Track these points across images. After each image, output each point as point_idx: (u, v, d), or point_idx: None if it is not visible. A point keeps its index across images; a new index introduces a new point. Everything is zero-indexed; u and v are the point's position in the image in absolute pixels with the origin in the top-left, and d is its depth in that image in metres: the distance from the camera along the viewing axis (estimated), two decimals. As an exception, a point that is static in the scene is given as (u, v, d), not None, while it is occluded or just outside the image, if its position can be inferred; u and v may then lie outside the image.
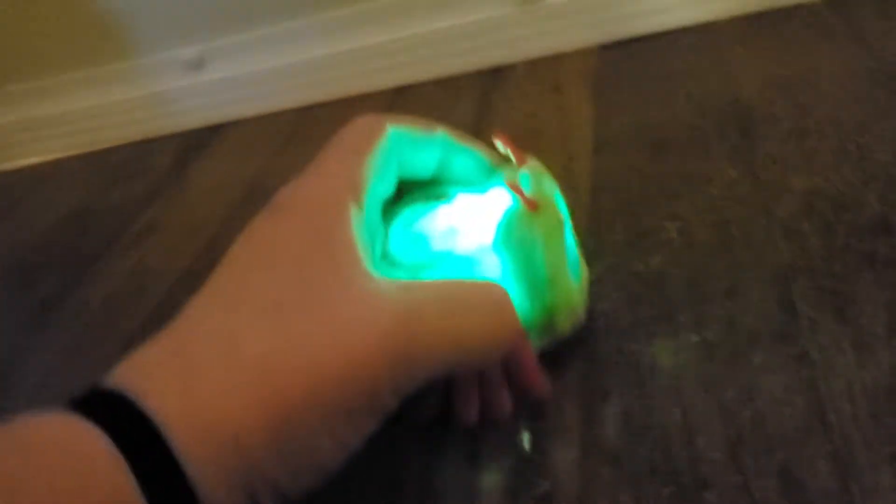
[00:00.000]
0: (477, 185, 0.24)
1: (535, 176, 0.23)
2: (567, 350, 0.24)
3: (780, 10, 0.42)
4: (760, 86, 0.36)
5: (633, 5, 0.44)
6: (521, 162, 0.24)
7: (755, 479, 0.20)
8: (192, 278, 0.35)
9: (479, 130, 0.40)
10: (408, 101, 0.46)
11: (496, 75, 0.45)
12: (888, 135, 0.30)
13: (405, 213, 0.23)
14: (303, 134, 0.47)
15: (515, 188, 0.22)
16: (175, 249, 0.38)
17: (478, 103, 0.43)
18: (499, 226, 0.22)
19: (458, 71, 0.47)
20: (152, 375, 0.17)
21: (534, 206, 0.22)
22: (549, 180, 0.24)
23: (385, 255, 0.22)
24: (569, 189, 0.27)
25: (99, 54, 0.51)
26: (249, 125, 0.50)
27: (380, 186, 0.21)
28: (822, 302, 0.24)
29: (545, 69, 0.44)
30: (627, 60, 0.42)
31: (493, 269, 0.22)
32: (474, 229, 0.23)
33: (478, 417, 0.22)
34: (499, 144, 0.24)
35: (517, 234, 0.22)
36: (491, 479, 0.22)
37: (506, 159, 0.24)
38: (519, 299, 0.22)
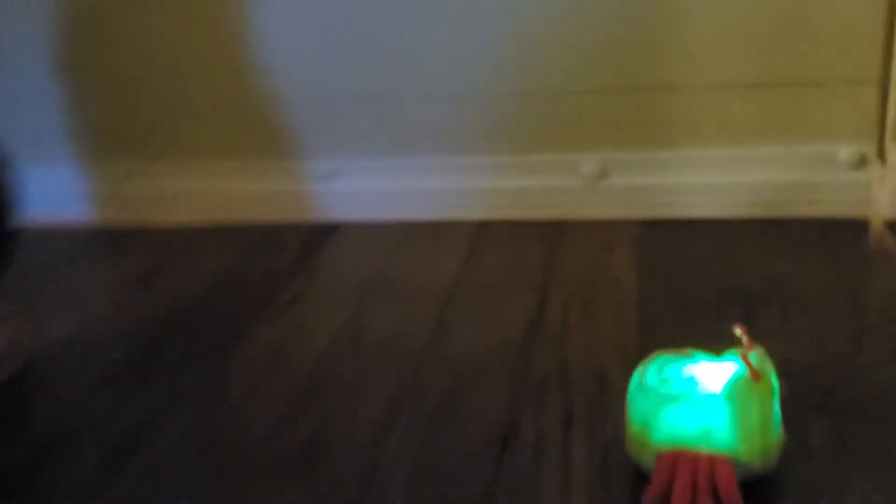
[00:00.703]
0: (717, 358, 0.35)
1: (760, 356, 0.34)
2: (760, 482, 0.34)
3: (782, 219, 0.57)
4: (763, 276, 0.50)
5: (670, 196, 0.59)
6: (750, 346, 0.34)
7: None
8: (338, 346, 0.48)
9: (548, 268, 0.54)
10: (489, 234, 0.61)
11: (561, 228, 0.60)
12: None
13: (662, 360, 0.35)
14: (412, 243, 0.61)
15: (746, 360, 0.33)
16: (317, 322, 0.51)
17: (547, 248, 0.57)
18: (728, 382, 0.33)
19: (532, 219, 0.62)
20: None
21: (757, 375, 0.33)
22: (769, 363, 0.34)
23: (640, 385, 0.34)
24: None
25: (250, 149, 0.66)
26: (363, 229, 0.64)
27: None
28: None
29: (599, 231, 0.59)
30: (663, 237, 0.57)
31: (719, 413, 0.32)
32: (711, 382, 0.34)
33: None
34: (737, 331, 0.34)
35: (742, 391, 0.33)
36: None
37: (739, 342, 0.34)
38: (733, 440, 0.32)
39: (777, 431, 0.33)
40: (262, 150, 0.65)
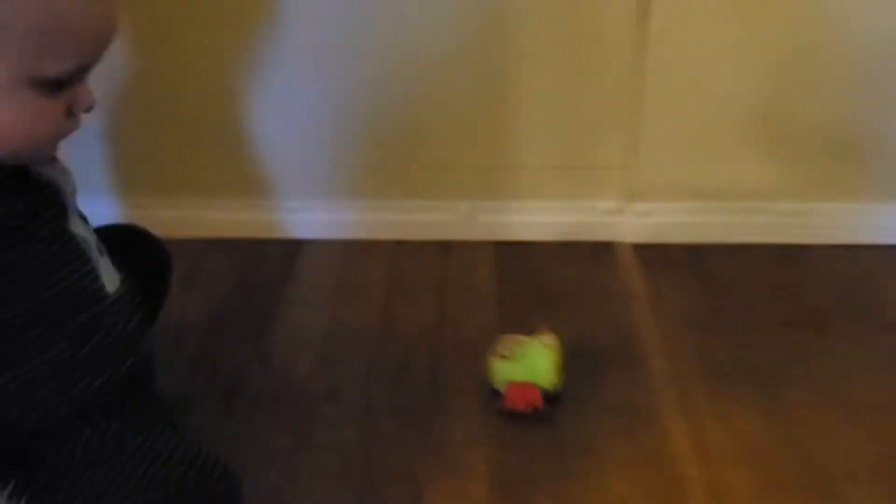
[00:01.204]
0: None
1: (552, 337, 0.72)
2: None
3: (579, 241, 0.97)
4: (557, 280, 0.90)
5: (516, 228, 0.98)
6: (549, 331, 0.73)
7: None
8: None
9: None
10: (403, 250, 0.97)
11: (447, 246, 0.97)
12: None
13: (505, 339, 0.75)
14: (352, 257, 0.96)
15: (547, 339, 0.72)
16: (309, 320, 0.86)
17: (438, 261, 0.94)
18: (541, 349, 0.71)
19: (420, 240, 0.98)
20: None
21: (552, 348, 0.71)
22: (555, 339, 0.72)
23: (492, 352, 0.73)
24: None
25: (233, 188, 0.97)
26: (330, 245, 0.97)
27: None
28: None
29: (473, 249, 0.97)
30: (514, 254, 0.96)
31: (536, 365, 0.74)
32: (530, 351, 0.75)
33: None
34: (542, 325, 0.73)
35: (547, 354, 0.71)
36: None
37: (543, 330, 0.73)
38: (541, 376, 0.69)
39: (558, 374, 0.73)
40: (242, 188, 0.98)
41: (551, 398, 0.71)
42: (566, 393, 0.72)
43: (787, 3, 0.86)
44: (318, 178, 0.98)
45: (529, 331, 0.74)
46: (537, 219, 0.98)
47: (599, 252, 0.95)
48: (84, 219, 0.57)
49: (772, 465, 0.66)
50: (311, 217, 0.98)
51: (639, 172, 0.94)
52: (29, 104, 0.47)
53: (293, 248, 0.97)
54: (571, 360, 0.73)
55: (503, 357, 0.72)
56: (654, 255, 0.94)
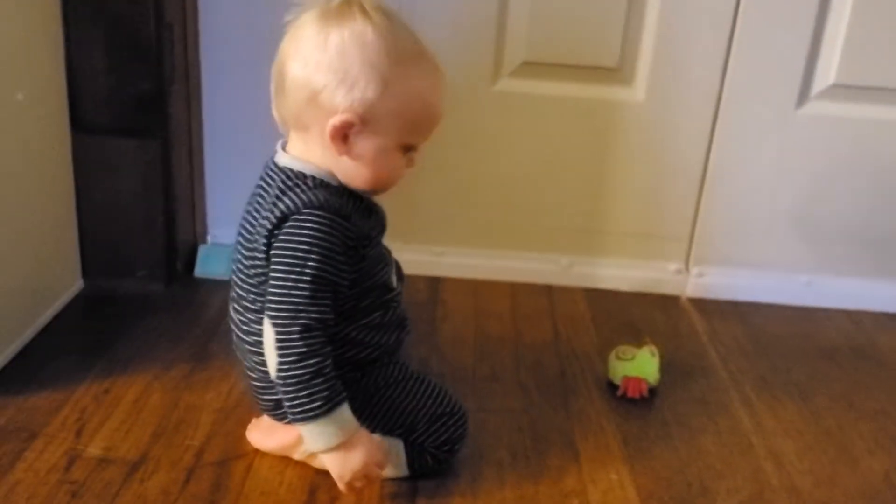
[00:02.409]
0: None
1: (652, 348, 1.03)
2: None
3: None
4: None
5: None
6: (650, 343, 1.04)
7: None
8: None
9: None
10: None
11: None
12: (671, 342, 1.15)
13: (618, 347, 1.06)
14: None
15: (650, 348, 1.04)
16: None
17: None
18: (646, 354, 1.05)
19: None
20: None
21: (655, 354, 1.03)
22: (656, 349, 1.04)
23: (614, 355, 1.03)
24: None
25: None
26: (464, 282, 1.28)
27: None
28: None
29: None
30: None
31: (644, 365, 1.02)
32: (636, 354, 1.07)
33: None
34: (646, 338, 1.05)
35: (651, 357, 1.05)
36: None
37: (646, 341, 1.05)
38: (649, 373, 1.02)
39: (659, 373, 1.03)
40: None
41: (653, 391, 1.01)
42: (662, 388, 1.02)
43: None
44: (456, 229, 1.29)
45: (638, 343, 1.05)
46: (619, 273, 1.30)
47: (666, 301, 1.27)
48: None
49: (805, 437, 0.96)
50: (450, 260, 1.29)
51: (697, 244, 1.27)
52: (395, 160, 0.79)
53: (436, 283, 1.27)
54: (662, 365, 1.03)
55: (621, 358, 1.02)
56: (708, 307, 1.26)
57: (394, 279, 0.85)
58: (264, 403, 0.84)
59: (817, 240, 1.27)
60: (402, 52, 0.73)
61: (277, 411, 0.81)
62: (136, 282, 1.17)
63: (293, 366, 0.72)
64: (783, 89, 1.19)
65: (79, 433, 0.87)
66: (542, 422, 0.96)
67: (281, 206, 0.73)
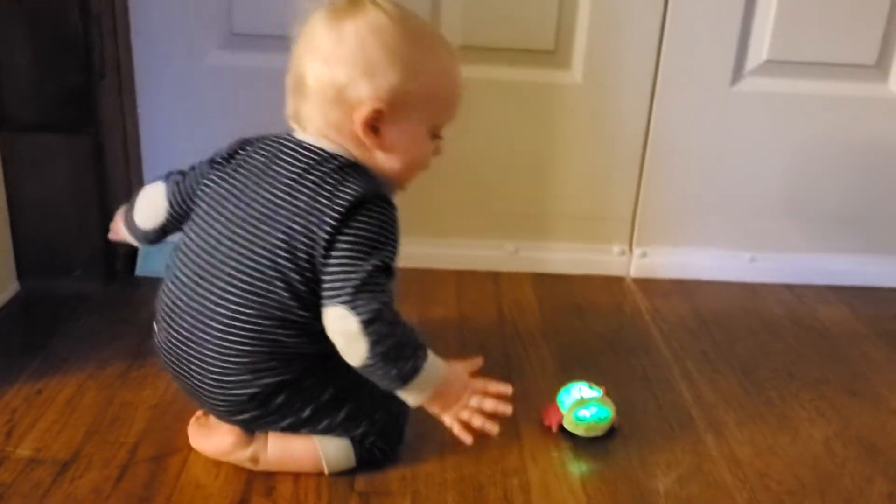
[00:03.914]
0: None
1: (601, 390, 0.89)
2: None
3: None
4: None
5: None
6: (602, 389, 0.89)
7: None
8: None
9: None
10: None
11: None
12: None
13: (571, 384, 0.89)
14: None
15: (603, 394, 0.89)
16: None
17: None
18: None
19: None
20: None
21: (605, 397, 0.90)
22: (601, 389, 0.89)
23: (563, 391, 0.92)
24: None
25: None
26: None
27: None
28: None
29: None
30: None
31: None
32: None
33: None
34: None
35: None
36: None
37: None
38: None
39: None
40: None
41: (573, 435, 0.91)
42: (605, 366, 1.03)
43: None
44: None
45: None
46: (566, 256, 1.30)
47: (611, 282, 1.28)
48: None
49: (746, 409, 0.97)
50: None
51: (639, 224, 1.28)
52: (427, 146, 0.78)
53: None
54: (604, 345, 1.04)
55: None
56: (652, 286, 1.27)
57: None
58: (217, 402, 0.78)
59: (759, 216, 1.28)
60: (420, 35, 0.73)
61: (230, 410, 0.78)
62: (73, 282, 1.15)
63: (384, 342, 0.70)
64: (717, 68, 1.20)
65: (8, 435, 0.85)
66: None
67: (348, 191, 0.72)
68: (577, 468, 0.85)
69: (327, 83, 0.71)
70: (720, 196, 1.27)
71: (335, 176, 0.73)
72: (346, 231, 0.71)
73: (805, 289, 1.28)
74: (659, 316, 1.18)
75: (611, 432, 0.90)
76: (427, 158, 0.79)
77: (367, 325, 0.69)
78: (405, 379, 0.72)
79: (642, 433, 0.91)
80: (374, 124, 0.73)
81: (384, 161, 0.76)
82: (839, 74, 1.21)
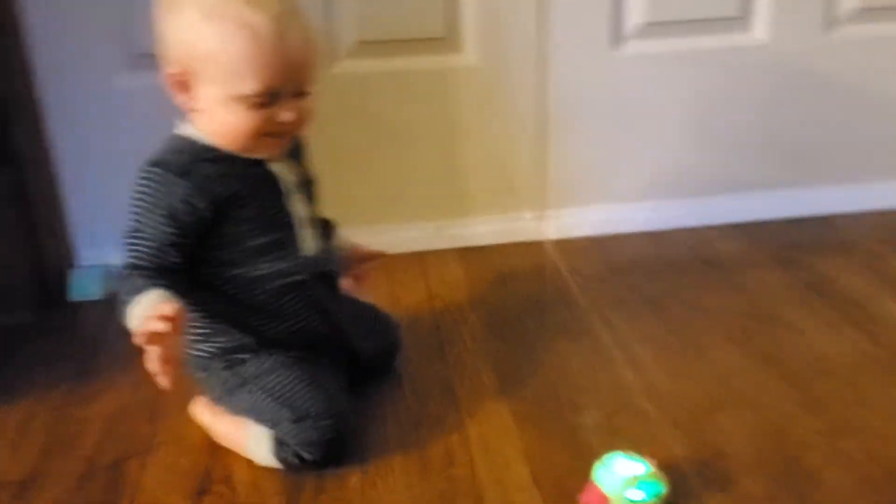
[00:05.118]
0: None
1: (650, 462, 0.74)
2: None
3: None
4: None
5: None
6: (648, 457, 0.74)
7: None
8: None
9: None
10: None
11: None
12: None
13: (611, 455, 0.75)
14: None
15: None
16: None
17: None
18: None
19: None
20: None
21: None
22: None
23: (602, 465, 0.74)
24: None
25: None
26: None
27: None
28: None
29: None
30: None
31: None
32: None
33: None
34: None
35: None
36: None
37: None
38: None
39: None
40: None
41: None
42: (530, 324, 1.10)
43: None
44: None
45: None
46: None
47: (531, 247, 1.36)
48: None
49: (659, 342, 1.06)
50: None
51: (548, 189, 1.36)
52: (237, 113, 0.74)
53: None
54: (529, 306, 1.11)
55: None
56: (568, 245, 1.35)
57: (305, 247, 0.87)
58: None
59: (659, 167, 1.37)
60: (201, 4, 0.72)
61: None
62: (6, 314, 1.17)
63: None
64: (597, 33, 1.28)
65: (-36, 465, 0.88)
66: (420, 375, 1.02)
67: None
68: (511, 417, 0.92)
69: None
70: (622, 153, 1.36)
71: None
72: None
73: (707, 229, 1.37)
74: (576, 272, 1.26)
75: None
76: (244, 126, 0.75)
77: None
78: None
79: (569, 377, 0.99)
80: (176, 88, 0.76)
81: (200, 123, 0.78)
82: (710, 28, 1.31)
